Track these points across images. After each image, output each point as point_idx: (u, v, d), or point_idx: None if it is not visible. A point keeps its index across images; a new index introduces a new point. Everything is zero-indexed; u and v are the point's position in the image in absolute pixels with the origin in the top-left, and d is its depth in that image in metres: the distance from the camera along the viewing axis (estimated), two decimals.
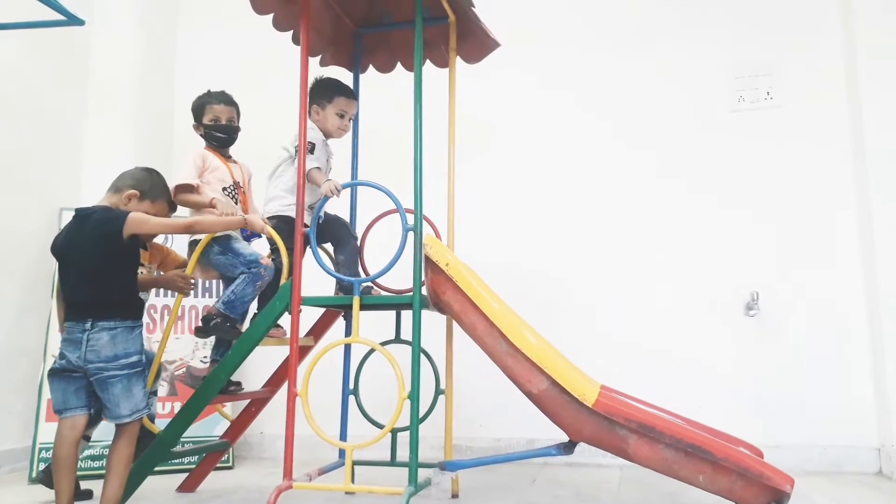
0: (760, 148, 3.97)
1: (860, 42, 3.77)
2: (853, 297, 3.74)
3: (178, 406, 3.61)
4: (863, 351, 3.69)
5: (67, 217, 3.82)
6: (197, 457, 3.42)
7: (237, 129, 3.21)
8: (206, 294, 4.00)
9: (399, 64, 3.50)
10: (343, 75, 3.45)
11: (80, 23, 2.58)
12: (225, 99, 3.17)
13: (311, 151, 2.93)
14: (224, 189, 3.09)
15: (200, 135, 3.19)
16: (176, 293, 3.14)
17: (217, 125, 3.15)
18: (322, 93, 3.13)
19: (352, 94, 3.21)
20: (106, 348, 2.51)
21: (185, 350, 3.91)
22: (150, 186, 2.79)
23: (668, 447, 2.43)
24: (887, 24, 3.73)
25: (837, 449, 3.64)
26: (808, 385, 3.72)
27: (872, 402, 3.63)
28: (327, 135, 3.14)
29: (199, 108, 3.18)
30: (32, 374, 3.76)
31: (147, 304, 3.89)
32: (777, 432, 3.64)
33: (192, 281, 3.06)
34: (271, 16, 3.02)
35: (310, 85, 3.06)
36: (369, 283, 2.91)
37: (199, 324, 2.93)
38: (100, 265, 2.58)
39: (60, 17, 2.52)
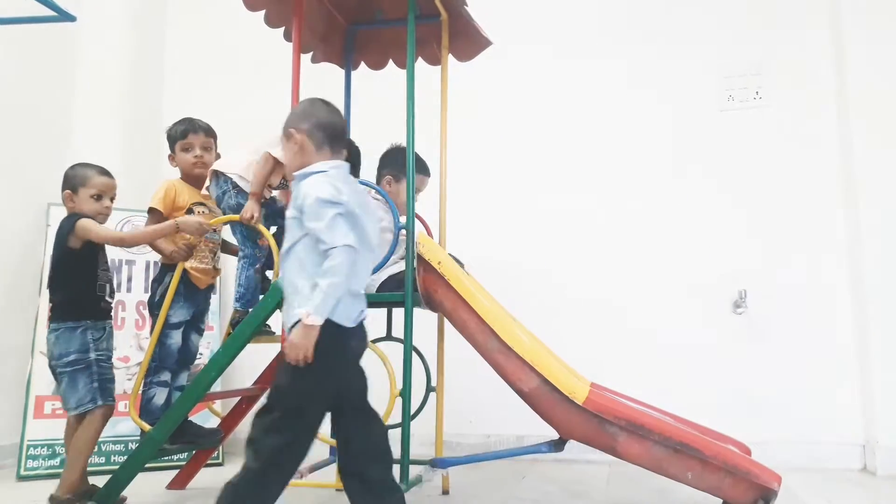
0: (749, 147, 4.00)
1: (848, 42, 3.80)
2: (840, 295, 3.78)
3: None
4: (849, 348, 3.73)
5: (54, 213, 3.81)
6: (187, 454, 3.42)
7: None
8: None
9: (391, 61, 3.49)
10: (334, 72, 3.46)
11: (72, 19, 2.56)
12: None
13: None
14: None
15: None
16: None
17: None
18: (401, 165, 2.92)
19: (427, 169, 3.05)
20: (54, 347, 2.76)
21: None
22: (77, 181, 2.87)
23: (657, 445, 2.45)
24: (876, 24, 3.77)
25: (823, 445, 3.68)
26: (794, 382, 3.76)
27: (858, 399, 3.68)
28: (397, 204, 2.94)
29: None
30: (19, 371, 3.74)
31: (136, 301, 3.89)
32: (764, 429, 3.67)
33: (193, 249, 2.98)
34: (262, 12, 3.01)
35: (387, 151, 3.03)
36: None
37: (231, 330, 2.93)
38: (54, 269, 2.84)
39: (51, 13, 2.51)
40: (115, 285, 3.06)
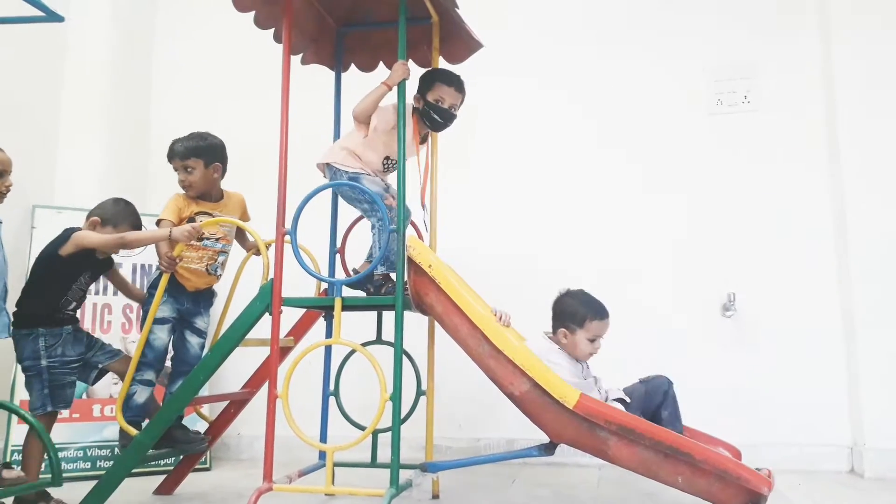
0: (738, 151, 4.02)
1: (837, 47, 3.83)
2: (828, 299, 3.80)
3: None
4: (836, 352, 3.75)
5: (40, 215, 3.77)
6: (174, 458, 3.39)
7: (453, 118, 3.08)
8: None
9: (381, 63, 3.47)
10: (324, 74, 3.44)
11: (60, 19, 2.53)
12: (458, 85, 3.05)
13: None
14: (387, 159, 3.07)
15: (415, 107, 3.05)
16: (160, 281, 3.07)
17: (439, 107, 3.02)
18: (572, 315, 2.75)
19: (606, 312, 2.76)
20: (15, 350, 2.84)
21: None
22: (112, 214, 2.99)
23: (647, 449, 2.45)
24: (864, 26, 3.80)
25: (812, 448, 3.70)
26: (783, 386, 3.78)
27: (845, 402, 3.70)
28: (575, 358, 2.80)
29: (427, 82, 3.05)
30: (4, 374, 3.69)
31: (123, 305, 3.85)
32: (754, 432, 3.67)
33: (176, 261, 2.98)
34: (252, 14, 2.99)
35: (557, 300, 2.85)
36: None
37: (371, 289, 2.92)
38: (32, 277, 2.91)
39: (39, 13, 2.47)
40: (83, 298, 3.03)
